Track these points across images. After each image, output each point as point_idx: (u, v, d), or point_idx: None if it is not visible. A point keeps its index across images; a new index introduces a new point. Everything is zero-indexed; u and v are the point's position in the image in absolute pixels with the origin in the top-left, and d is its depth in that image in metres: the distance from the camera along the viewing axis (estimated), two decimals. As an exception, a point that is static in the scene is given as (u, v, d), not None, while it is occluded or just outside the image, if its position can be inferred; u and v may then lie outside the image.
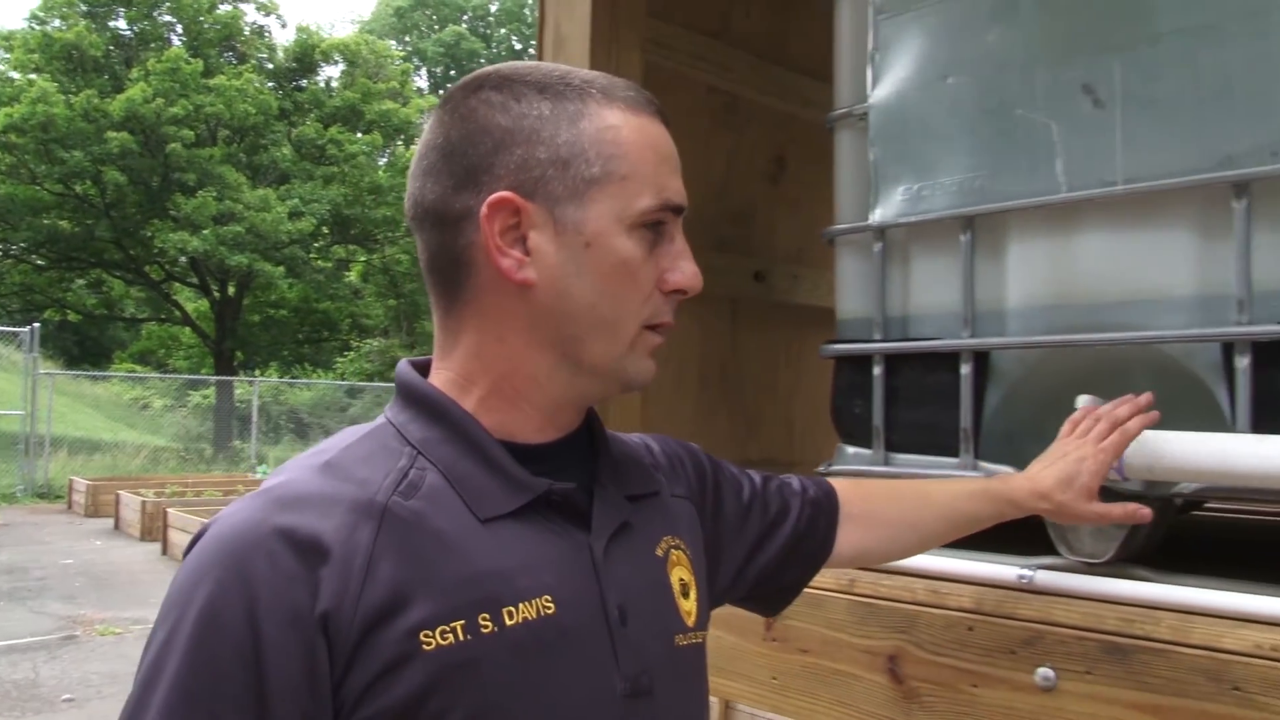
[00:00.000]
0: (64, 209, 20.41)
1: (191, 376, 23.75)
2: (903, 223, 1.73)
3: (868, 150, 1.78)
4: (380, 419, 0.96)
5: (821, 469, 1.78)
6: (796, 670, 1.58)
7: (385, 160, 24.91)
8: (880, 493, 1.34)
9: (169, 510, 10.98)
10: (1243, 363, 1.37)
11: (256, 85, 22.08)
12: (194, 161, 20.05)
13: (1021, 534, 1.53)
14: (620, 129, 0.93)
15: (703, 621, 1.05)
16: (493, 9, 36.07)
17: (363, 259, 24.65)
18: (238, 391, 21.84)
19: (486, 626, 0.83)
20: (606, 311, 0.93)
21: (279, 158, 22.03)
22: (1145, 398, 1.36)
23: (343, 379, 25.73)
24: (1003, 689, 1.37)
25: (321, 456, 0.89)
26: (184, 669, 0.77)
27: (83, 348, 28.24)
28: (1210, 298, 1.42)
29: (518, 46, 35.32)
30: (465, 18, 35.33)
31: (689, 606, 1.02)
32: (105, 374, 25.04)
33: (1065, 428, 1.38)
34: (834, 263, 1.91)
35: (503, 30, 36.15)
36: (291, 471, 0.88)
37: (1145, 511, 1.31)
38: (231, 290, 22.49)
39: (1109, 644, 1.29)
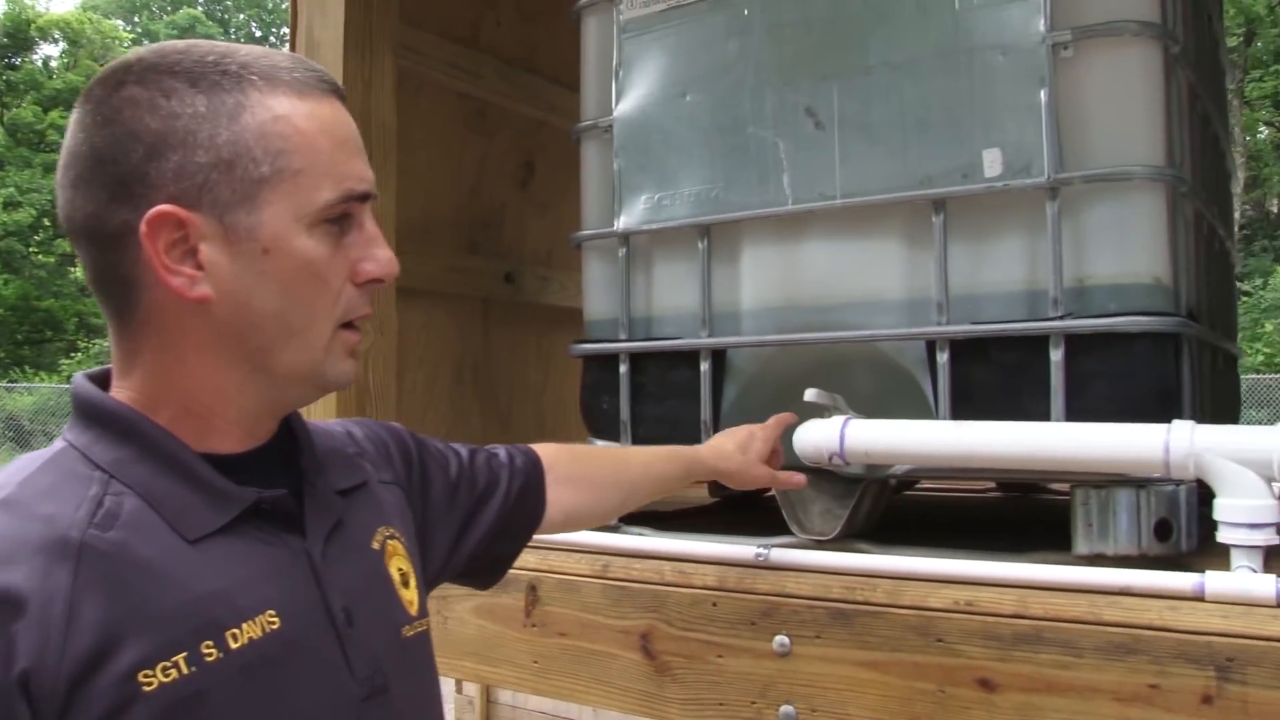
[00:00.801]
0: None
1: (-110, 383, 21.63)
2: (645, 229, 1.83)
3: (613, 161, 1.87)
4: (59, 443, 0.86)
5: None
6: (556, 653, 1.63)
7: (113, 149, 23.40)
8: (584, 455, 1.41)
9: None
10: (943, 358, 1.54)
11: (-39, 64, 20.38)
12: (-115, 145, 18.31)
13: (759, 519, 1.66)
14: (289, 118, 0.84)
15: (424, 609, 1.03)
16: (230, -8, 34.41)
17: (90, 254, 23.09)
18: (-54, 398, 20.07)
19: (211, 654, 0.77)
20: (295, 318, 0.86)
21: (-10, 143, 20.40)
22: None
23: (69, 383, 23.96)
24: (745, 657, 1.46)
25: None
26: None
27: None
28: (916, 301, 1.58)
29: (257, 34, 33.79)
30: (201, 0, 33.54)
31: (410, 596, 1.00)
32: None
33: None
34: (581, 266, 1.98)
35: (242, 16, 34.46)
36: None
37: (800, 478, 1.51)
38: (-63, 288, 20.68)
39: (835, 610, 1.40)
